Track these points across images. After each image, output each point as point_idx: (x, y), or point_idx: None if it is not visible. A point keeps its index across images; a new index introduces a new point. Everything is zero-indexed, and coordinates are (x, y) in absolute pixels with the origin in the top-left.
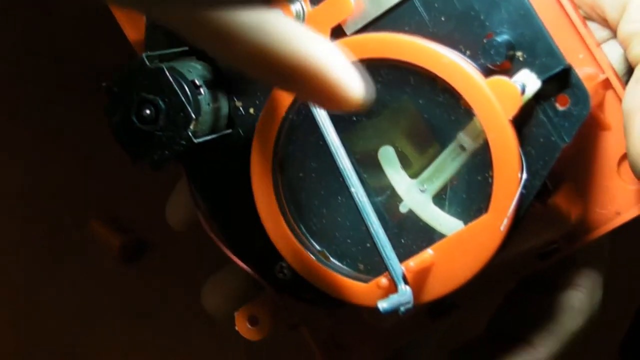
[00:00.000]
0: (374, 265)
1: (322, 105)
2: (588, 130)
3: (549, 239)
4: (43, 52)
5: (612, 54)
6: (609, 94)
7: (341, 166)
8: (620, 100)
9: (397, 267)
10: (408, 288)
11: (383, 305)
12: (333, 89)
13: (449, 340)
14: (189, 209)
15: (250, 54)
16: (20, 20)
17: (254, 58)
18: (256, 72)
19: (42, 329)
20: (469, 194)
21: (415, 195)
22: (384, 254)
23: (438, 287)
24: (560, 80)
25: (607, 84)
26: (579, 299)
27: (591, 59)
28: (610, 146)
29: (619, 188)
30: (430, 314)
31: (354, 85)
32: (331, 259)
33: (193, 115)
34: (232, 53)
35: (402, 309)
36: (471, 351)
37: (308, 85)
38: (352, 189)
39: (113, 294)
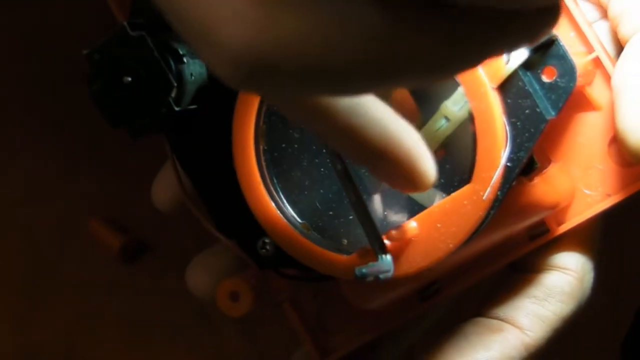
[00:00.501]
0: (357, 239)
1: (399, 186)
2: (578, 110)
3: (537, 219)
4: (42, 51)
5: (603, 35)
6: (600, 74)
7: None
8: (610, 79)
9: (378, 236)
10: (388, 256)
11: (361, 271)
12: (413, 174)
13: (440, 327)
14: (175, 189)
15: (343, 133)
16: (19, 20)
17: (346, 137)
18: (346, 150)
19: (41, 329)
20: (452, 165)
21: None
22: (363, 222)
23: (421, 258)
24: (546, 51)
25: (597, 63)
26: (569, 283)
27: (582, 37)
28: (600, 127)
29: (609, 169)
30: (418, 297)
31: (431, 173)
32: (313, 231)
33: (174, 83)
34: (325, 128)
35: (381, 276)
36: (458, 334)
37: (392, 169)
38: (332, 156)
39: (113, 294)
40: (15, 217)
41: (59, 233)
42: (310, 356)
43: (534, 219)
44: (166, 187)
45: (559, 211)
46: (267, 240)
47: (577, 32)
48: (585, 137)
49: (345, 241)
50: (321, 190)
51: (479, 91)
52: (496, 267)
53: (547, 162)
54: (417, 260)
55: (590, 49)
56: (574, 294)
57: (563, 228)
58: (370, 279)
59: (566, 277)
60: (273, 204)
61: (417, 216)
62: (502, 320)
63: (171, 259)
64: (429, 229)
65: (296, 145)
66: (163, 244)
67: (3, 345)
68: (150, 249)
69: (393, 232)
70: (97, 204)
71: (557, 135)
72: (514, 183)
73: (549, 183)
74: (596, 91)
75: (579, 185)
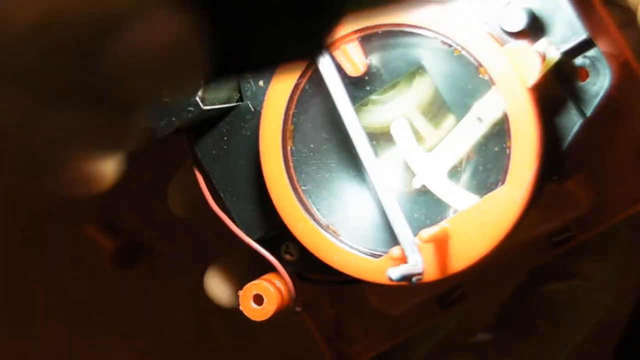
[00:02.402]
0: (386, 242)
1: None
2: (606, 116)
3: (562, 224)
4: None
5: (632, 39)
6: (629, 79)
7: (354, 135)
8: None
9: (409, 237)
10: (420, 258)
11: (393, 273)
12: None
13: (458, 333)
14: (191, 193)
15: None
16: None
17: None
18: None
19: (37, 333)
20: (485, 167)
21: (429, 169)
22: (395, 224)
23: (453, 262)
24: (580, 53)
25: (626, 66)
26: (594, 291)
27: (610, 40)
28: (628, 132)
29: (637, 175)
30: (439, 304)
31: None
32: (341, 234)
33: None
34: None
35: (413, 279)
36: (482, 343)
37: None
38: (364, 158)
39: (108, 297)
40: (9, 220)
41: (54, 236)
42: None
43: (560, 223)
44: (183, 192)
45: (584, 216)
46: (290, 245)
47: (606, 34)
48: (613, 142)
49: (373, 244)
50: (350, 192)
51: (514, 91)
52: (517, 275)
53: (577, 166)
54: (449, 263)
55: (618, 51)
56: (598, 301)
57: (587, 234)
58: (403, 281)
59: (591, 284)
60: (300, 206)
61: (450, 218)
62: (525, 329)
63: (166, 263)
64: (461, 231)
65: (324, 146)
66: (158, 248)
67: (0, 349)
68: (145, 252)
69: (424, 234)
70: (93, 208)
71: (587, 139)
72: (545, 186)
73: (575, 187)
74: (626, 96)
75: (605, 190)
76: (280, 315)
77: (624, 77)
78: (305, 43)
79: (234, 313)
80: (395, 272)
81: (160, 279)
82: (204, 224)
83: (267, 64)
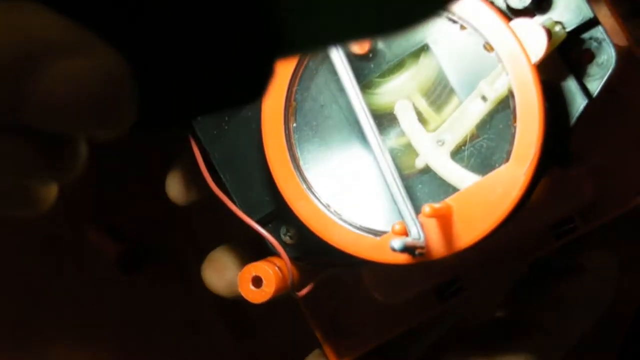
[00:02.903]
0: (388, 221)
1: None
2: (610, 107)
3: (565, 214)
4: None
5: (637, 30)
6: (632, 68)
7: (358, 111)
8: None
9: (411, 211)
10: (422, 231)
11: (395, 243)
12: None
13: (458, 327)
14: (191, 179)
15: None
16: None
17: None
18: None
19: (39, 338)
20: (489, 145)
21: (433, 149)
22: (397, 198)
23: (456, 239)
24: (585, 32)
25: (631, 57)
26: (597, 285)
27: (616, 31)
28: (633, 124)
29: None
30: (438, 296)
31: None
32: (342, 213)
33: None
34: None
35: (416, 252)
36: (484, 336)
37: None
38: (368, 133)
39: (110, 302)
40: (12, 224)
41: (57, 241)
42: (325, 358)
43: (563, 214)
44: (182, 177)
45: (587, 208)
46: (290, 228)
47: (612, 24)
48: (618, 134)
49: (375, 223)
50: (352, 170)
51: (520, 68)
52: (520, 266)
53: (581, 157)
54: (451, 241)
55: (625, 42)
56: (601, 295)
57: (590, 225)
58: (404, 252)
59: (594, 278)
60: (302, 183)
61: (453, 196)
62: (528, 322)
63: (170, 268)
64: (464, 209)
65: (327, 124)
66: (161, 253)
67: (2, 351)
68: (149, 257)
69: (427, 207)
70: (96, 212)
71: (591, 130)
72: (548, 171)
73: (581, 178)
74: (630, 87)
75: (609, 182)
76: (282, 308)
77: (628, 68)
78: (249, 82)
79: (237, 315)
80: (397, 242)
81: (162, 283)
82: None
83: (207, 108)
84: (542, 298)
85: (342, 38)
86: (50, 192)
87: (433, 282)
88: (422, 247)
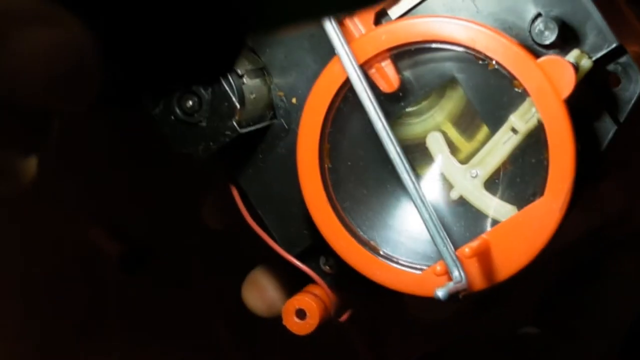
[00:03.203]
0: (427, 255)
1: None
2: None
3: (598, 225)
4: None
5: None
6: None
7: (391, 151)
8: None
9: (452, 253)
10: (464, 274)
11: (440, 292)
12: None
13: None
14: (228, 213)
15: None
16: None
17: None
18: None
19: (41, 338)
20: (522, 177)
21: (466, 181)
22: (437, 240)
23: (495, 273)
24: (611, 60)
25: None
26: (631, 289)
27: (638, 39)
28: None
29: None
30: (477, 307)
31: None
32: (382, 249)
33: (237, 105)
34: None
35: (460, 295)
36: (522, 345)
37: None
38: (402, 174)
39: (113, 303)
40: (15, 226)
41: (59, 241)
42: None
43: (595, 225)
44: (219, 209)
45: (618, 215)
46: (330, 258)
47: (630, 30)
48: None
49: (415, 258)
50: (389, 207)
51: (549, 104)
52: (556, 273)
53: (611, 169)
54: (491, 275)
55: None
56: (634, 298)
57: (622, 231)
58: (450, 299)
59: (627, 282)
60: (341, 223)
61: (490, 230)
62: (564, 328)
63: (171, 269)
64: (502, 243)
65: (362, 163)
66: (163, 254)
67: (3, 351)
68: (150, 258)
69: (466, 249)
70: (98, 213)
71: (619, 142)
72: (581, 193)
73: (611, 189)
74: None
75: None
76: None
77: None
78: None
79: (239, 318)
80: (442, 292)
81: (164, 284)
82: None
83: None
84: (575, 304)
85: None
86: (29, 166)
87: (473, 300)
88: (465, 290)
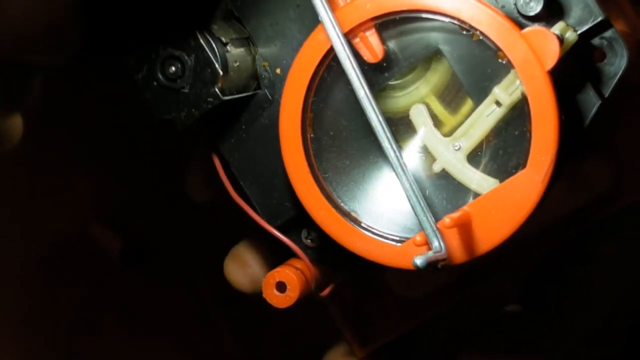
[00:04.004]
0: (408, 227)
1: None
2: (624, 94)
3: (581, 204)
4: None
5: None
6: None
7: (373, 121)
8: None
9: (432, 223)
10: (443, 244)
11: (419, 261)
12: None
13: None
14: (211, 181)
15: None
16: None
17: None
18: None
19: (41, 332)
20: (505, 150)
21: (449, 153)
22: (417, 210)
23: (476, 245)
24: (597, 34)
25: None
26: (615, 272)
27: (625, 18)
28: None
29: None
30: (459, 284)
31: None
32: (363, 220)
33: (220, 72)
34: None
35: (439, 265)
36: (507, 323)
37: None
38: (384, 142)
39: (113, 298)
40: (16, 221)
41: (59, 236)
42: (348, 347)
43: (578, 203)
44: (202, 177)
45: (602, 196)
46: (311, 231)
47: (618, 11)
48: (631, 122)
49: (395, 230)
50: (371, 178)
51: (533, 75)
52: (539, 253)
53: (595, 146)
54: (471, 247)
55: (635, 31)
56: (619, 282)
57: (606, 212)
58: (428, 268)
59: (611, 265)
60: (322, 193)
61: (471, 203)
62: (550, 309)
63: (171, 264)
64: (483, 215)
65: (344, 133)
66: (163, 248)
67: (3, 349)
68: (150, 253)
69: (447, 219)
70: (98, 208)
71: (603, 119)
72: (564, 168)
73: (595, 167)
74: None
75: (624, 169)
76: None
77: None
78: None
79: (238, 311)
80: (420, 260)
81: (165, 279)
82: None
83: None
84: (559, 285)
85: None
86: (15, 124)
87: (454, 277)
88: (444, 260)
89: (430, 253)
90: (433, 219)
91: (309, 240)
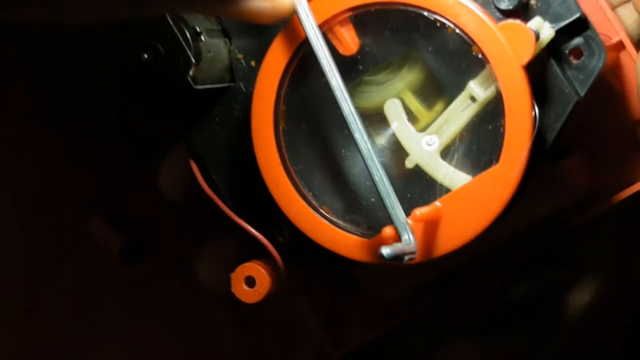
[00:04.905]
0: (378, 223)
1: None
2: (601, 97)
3: (558, 206)
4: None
5: (626, 19)
6: (623, 59)
7: (345, 110)
8: (634, 63)
9: (402, 216)
10: (412, 237)
11: (386, 251)
12: None
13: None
14: (183, 176)
15: None
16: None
17: None
18: None
19: (42, 330)
20: (478, 146)
21: (422, 149)
22: (387, 203)
23: (447, 241)
24: (574, 31)
25: (620, 47)
26: (592, 275)
27: (604, 20)
28: (623, 114)
29: (631, 158)
30: (433, 288)
31: None
32: (333, 215)
33: (193, 60)
34: None
35: (405, 257)
36: (483, 328)
37: None
38: (356, 134)
39: (113, 294)
40: (15, 217)
41: (59, 232)
42: (320, 350)
43: (556, 206)
44: (175, 174)
45: (580, 200)
46: (284, 227)
47: (600, 15)
48: (608, 124)
49: (366, 225)
50: (342, 172)
51: (508, 70)
52: (514, 258)
53: (572, 147)
54: (442, 243)
55: (613, 33)
56: (595, 285)
57: (583, 217)
58: (395, 259)
59: (588, 268)
60: (293, 187)
61: (443, 197)
62: (521, 312)
63: (171, 260)
64: (454, 210)
65: (317, 126)
66: (163, 245)
67: (3, 346)
68: (150, 249)
69: (417, 212)
70: (97, 205)
71: (581, 121)
72: (539, 167)
73: (571, 168)
74: (620, 77)
75: (601, 172)
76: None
77: (618, 58)
78: None
79: (238, 309)
80: (387, 250)
81: (164, 276)
82: (199, 214)
83: None
84: (534, 289)
85: None
86: None
87: (427, 278)
88: (412, 253)
89: (399, 245)
90: (403, 212)
91: (281, 237)
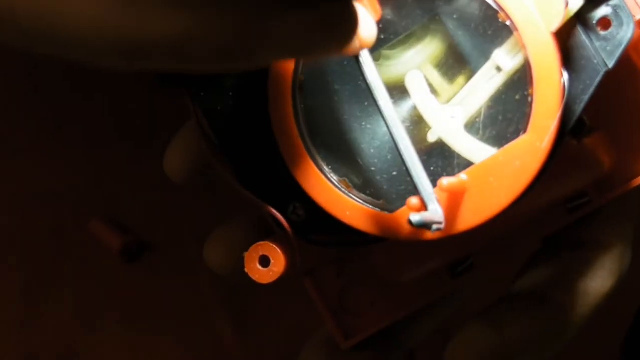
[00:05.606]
0: (400, 197)
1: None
2: (625, 77)
3: (581, 185)
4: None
5: None
6: None
7: (371, 82)
8: None
9: (428, 186)
10: (439, 207)
11: (415, 218)
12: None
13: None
14: (191, 156)
15: None
16: None
17: None
18: None
19: (42, 329)
20: (505, 116)
21: (446, 122)
22: (413, 172)
23: (472, 215)
24: (603, 1)
25: None
26: (611, 259)
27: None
28: None
29: None
30: (450, 273)
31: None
32: (353, 188)
33: None
34: None
35: (433, 227)
36: (500, 312)
37: None
38: (381, 102)
39: (113, 294)
40: (16, 217)
41: (59, 232)
42: (330, 339)
43: (578, 184)
44: (183, 154)
45: (601, 180)
46: (298, 205)
47: None
48: (631, 104)
49: (386, 200)
50: (362, 145)
51: (537, 36)
52: (534, 241)
53: (596, 125)
54: (467, 217)
55: (636, 12)
56: (615, 270)
57: (604, 198)
58: (422, 227)
59: (608, 253)
60: (312, 160)
61: (469, 169)
62: (542, 297)
63: (171, 259)
64: (480, 183)
65: (336, 98)
66: (164, 244)
67: (3, 346)
68: (150, 248)
69: (444, 181)
70: (97, 204)
71: (605, 99)
72: (563, 143)
73: (596, 147)
74: None
75: (623, 153)
76: (284, 298)
77: None
78: None
79: (238, 306)
80: (416, 217)
81: (164, 275)
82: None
83: None
84: (555, 273)
85: None
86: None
87: (445, 260)
88: (440, 223)
89: (427, 213)
90: (429, 182)
91: (295, 215)
